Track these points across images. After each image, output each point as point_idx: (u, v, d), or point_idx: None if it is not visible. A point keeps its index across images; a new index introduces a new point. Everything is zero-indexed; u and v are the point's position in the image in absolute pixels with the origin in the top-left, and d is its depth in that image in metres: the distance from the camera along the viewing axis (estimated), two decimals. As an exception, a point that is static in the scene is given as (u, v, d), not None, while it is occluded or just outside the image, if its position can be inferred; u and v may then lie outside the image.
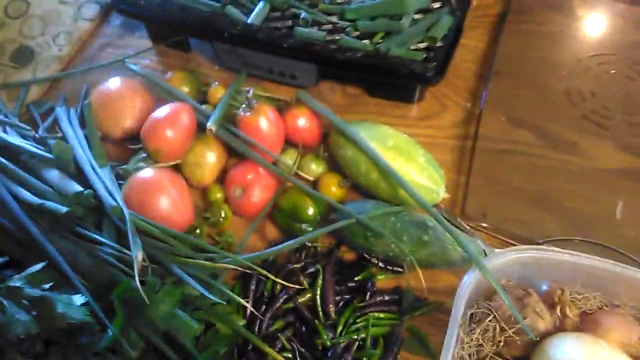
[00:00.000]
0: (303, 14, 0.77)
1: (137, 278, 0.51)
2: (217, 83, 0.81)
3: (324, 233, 0.69)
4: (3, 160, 0.64)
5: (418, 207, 0.66)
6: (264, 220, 0.73)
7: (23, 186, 0.62)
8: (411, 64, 0.71)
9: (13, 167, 0.64)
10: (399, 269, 0.68)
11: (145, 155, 0.71)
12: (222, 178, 0.75)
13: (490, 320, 0.57)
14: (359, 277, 0.66)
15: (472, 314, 0.59)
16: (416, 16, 0.77)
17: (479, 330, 0.57)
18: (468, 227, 0.70)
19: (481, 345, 0.56)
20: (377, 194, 0.69)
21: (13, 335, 0.49)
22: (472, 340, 0.57)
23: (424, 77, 0.71)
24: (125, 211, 0.57)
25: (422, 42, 0.75)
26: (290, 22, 0.78)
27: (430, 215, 0.63)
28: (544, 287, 0.62)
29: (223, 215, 0.71)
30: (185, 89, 0.79)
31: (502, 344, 0.56)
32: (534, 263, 0.60)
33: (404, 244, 0.64)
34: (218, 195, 0.73)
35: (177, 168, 0.73)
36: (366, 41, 0.75)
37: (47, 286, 0.51)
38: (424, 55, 0.72)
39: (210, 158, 0.73)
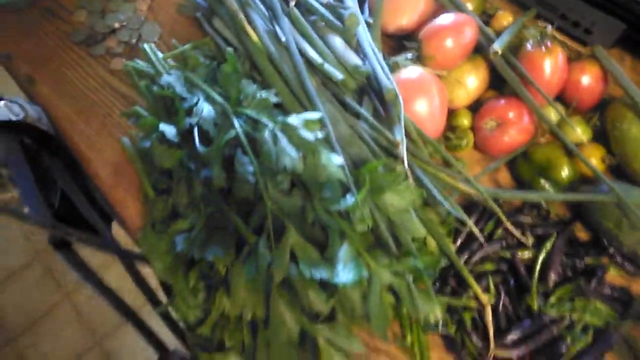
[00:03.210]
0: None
1: (405, 159, 0.51)
2: (502, 11, 0.76)
3: (562, 202, 0.64)
4: (299, 15, 0.68)
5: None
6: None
7: (309, 43, 0.66)
8: None
9: (305, 23, 0.67)
10: (636, 272, 0.60)
11: (412, 57, 0.70)
12: (472, 107, 0.72)
13: None
14: (591, 258, 0.60)
15: None
16: None
17: None
18: None
19: None
20: (649, 185, 0.61)
21: (281, 165, 0.53)
22: None
23: None
24: (400, 96, 0.57)
25: None
26: (622, -32, 0.68)
27: None
28: None
29: (466, 142, 0.69)
30: (470, 6, 0.75)
31: None
32: None
33: (665, 249, 0.56)
34: (465, 121, 0.71)
35: (436, 80, 0.71)
36: None
37: (320, 135, 0.54)
38: None
39: (472, 82, 0.70)
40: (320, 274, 0.50)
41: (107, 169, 0.74)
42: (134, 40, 0.85)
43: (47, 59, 0.84)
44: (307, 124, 0.55)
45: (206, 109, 0.60)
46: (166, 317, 0.72)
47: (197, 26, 0.83)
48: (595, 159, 0.65)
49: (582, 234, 0.64)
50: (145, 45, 0.71)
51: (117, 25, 0.86)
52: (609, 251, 0.61)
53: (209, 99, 0.62)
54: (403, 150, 0.53)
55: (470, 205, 0.64)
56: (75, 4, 0.89)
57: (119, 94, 0.80)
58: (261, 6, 0.72)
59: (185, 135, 0.59)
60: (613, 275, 0.61)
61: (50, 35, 0.86)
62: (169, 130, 0.59)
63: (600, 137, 0.67)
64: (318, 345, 0.51)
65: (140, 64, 0.73)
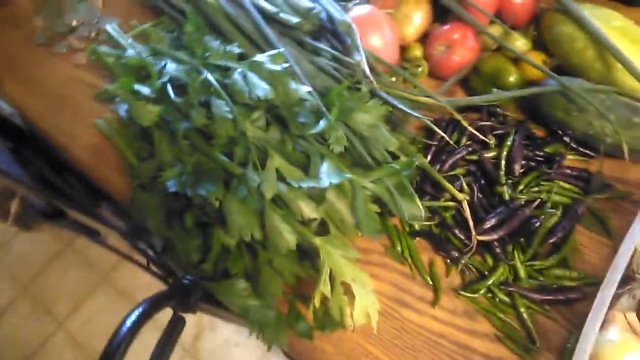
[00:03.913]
0: None
1: (368, 71, 0.56)
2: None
3: (516, 106, 0.70)
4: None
5: (633, 93, 0.63)
6: (455, 86, 0.75)
7: (261, -3, 0.70)
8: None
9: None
10: (590, 153, 0.66)
11: (360, 1, 0.76)
12: (421, 41, 0.78)
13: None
14: (548, 149, 0.66)
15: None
16: None
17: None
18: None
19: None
20: (588, 75, 0.67)
21: (254, 97, 0.57)
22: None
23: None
24: (353, 25, 0.62)
25: None
26: None
27: (647, 98, 0.60)
28: None
29: (421, 69, 0.74)
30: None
31: None
32: None
33: (609, 123, 0.62)
34: (417, 52, 0.76)
35: (385, 20, 0.77)
36: None
37: (285, 65, 0.58)
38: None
39: (418, 17, 0.76)
40: (307, 184, 0.54)
41: (87, 152, 0.76)
42: (93, 34, 0.88)
43: (13, 63, 0.86)
44: (272, 58, 0.59)
45: (176, 67, 0.64)
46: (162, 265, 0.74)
47: (151, 14, 0.86)
48: (538, 62, 0.71)
49: (538, 132, 0.70)
50: (108, 26, 0.74)
51: (75, 23, 0.89)
52: (564, 140, 0.67)
53: (176, 61, 0.65)
54: (364, 67, 0.58)
55: (433, 124, 0.69)
56: (31, 11, 0.91)
57: (86, 84, 0.82)
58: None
59: (160, 94, 0.63)
60: (572, 161, 0.67)
61: (14, 43, 0.88)
62: (143, 89, 0.62)
63: (539, 46, 0.74)
64: (316, 252, 0.54)
65: (104, 48, 0.76)
